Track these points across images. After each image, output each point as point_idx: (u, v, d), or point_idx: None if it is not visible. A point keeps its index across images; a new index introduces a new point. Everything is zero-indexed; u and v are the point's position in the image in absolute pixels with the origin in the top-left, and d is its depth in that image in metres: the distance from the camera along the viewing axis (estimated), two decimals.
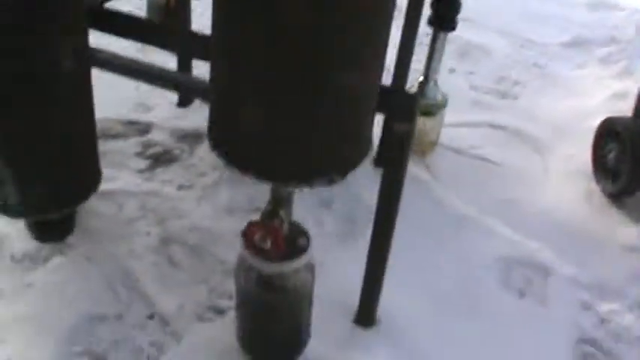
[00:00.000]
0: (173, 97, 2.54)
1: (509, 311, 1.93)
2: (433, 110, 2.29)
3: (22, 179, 1.68)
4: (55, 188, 1.73)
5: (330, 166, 1.31)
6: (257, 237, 1.40)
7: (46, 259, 1.94)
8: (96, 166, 1.83)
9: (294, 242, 1.51)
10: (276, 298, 1.53)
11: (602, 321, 1.93)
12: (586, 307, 1.96)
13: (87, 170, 1.79)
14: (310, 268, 1.55)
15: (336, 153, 1.31)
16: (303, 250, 1.50)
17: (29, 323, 1.79)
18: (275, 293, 1.52)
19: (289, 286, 1.53)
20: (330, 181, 1.31)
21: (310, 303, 1.62)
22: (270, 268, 1.49)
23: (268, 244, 1.40)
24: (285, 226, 1.47)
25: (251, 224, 1.40)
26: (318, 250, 1.93)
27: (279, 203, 1.45)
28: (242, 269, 1.55)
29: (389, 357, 1.76)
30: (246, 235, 1.42)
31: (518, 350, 1.81)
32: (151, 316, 1.82)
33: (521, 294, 1.98)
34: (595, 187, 2.32)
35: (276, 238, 1.39)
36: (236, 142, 1.32)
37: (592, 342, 1.89)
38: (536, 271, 2.04)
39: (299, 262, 1.50)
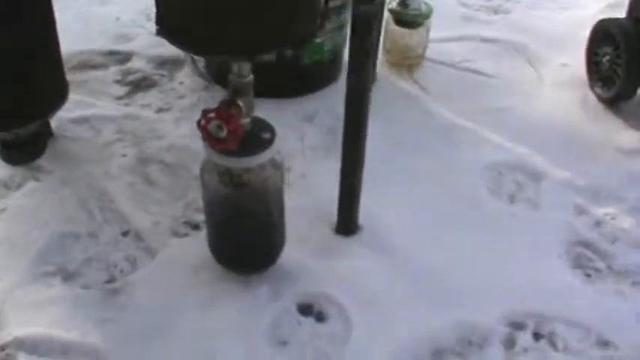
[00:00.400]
0: (153, 26, 2.45)
1: (500, 217, 1.85)
2: (418, 21, 2.21)
3: None
4: (16, 104, 1.65)
5: (281, 38, 1.23)
6: (212, 125, 1.32)
7: (19, 185, 1.90)
8: (59, 82, 1.75)
9: (258, 137, 1.44)
10: (241, 196, 1.47)
11: (598, 224, 1.85)
12: (581, 210, 1.88)
13: (49, 86, 1.71)
14: (277, 165, 1.47)
15: (287, 24, 1.22)
16: (267, 144, 1.42)
17: (1, 247, 1.73)
18: (239, 191, 1.45)
19: (254, 183, 1.46)
20: (281, 53, 1.23)
21: (280, 204, 1.55)
22: (232, 162, 1.41)
23: (224, 133, 1.32)
24: (246, 118, 1.39)
25: (206, 111, 1.32)
26: (300, 164, 1.89)
27: (236, 92, 1.38)
28: (205, 170, 1.48)
29: (370, 263, 1.70)
30: (202, 124, 1.33)
31: (508, 254, 1.74)
32: (125, 233, 1.77)
33: (512, 199, 1.90)
34: (590, 95, 2.23)
35: (233, 126, 1.32)
36: (181, 19, 1.23)
37: (586, 244, 1.81)
38: (528, 177, 1.97)
39: (262, 157, 1.41)
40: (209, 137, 1.34)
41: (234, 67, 1.38)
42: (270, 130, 1.45)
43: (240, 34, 1.22)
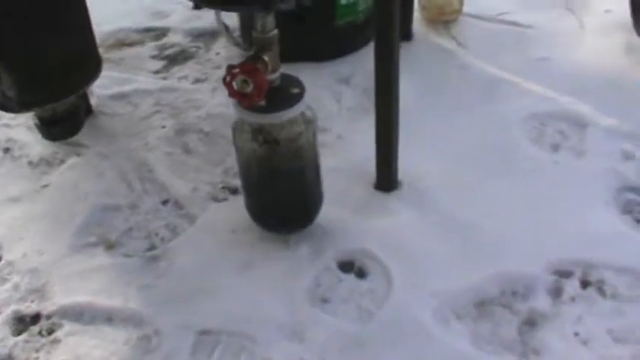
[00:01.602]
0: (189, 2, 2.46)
1: (543, 166, 1.80)
2: None
3: (15, 71, 1.62)
4: (48, 79, 1.66)
5: None
6: (238, 80, 1.31)
7: (61, 161, 1.92)
8: (91, 56, 1.76)
9: (287, 92, 1.42)
10: (274, 155, 1.45)
11: None
12: (628, 156, 1.83)
13: (81, 59, 1.72)
14: (308, 121, 1.46)
15: None
16: (296, 98, 1.40)
17: (44, 221, 1.77)
18: (272, 149, 1.43)
19: (286, 140, 1.44)
20: (299, 2, 1.21)
21: (315, 161, 1.53)
22: (261, 118, 1.40)
23: (250, 88, 1.31)
24: (273, 74, 1.38)
25: (230, 67, 1.31)
26: (338, 124, 1.87)
27: (261, 47, 1.36)
28: (237, 130, 1.48)
29: (410, 218, 1.68)
30: (227, 81, 1.32)
31: (552, 203, 1.69)
32: (164, 202, 1.77)
33: (556, 148, 1.85)
34: (635, 40, 2.15)
35: (258, 80, 1.31)
36: None
37: (636, 190, 1.75)
38: (572, 125, 1.91)
39: (292, 112, 1.40)
40: (235, 93, 1.33)
41: (258, 23, 1.37)
42: (299, 85, 1.44)
43: None
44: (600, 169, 1.78)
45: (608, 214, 1.67)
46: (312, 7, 1.31)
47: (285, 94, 1.42)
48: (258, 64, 1.34)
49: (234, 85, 1.33)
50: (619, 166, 1.79)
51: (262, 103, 1.37)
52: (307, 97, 1.44)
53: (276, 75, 1.42)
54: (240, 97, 1.34)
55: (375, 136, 1.64)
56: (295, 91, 1.43)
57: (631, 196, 1.73)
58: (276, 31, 1.38)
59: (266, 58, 1.37)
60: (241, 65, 1.32)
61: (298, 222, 1.60)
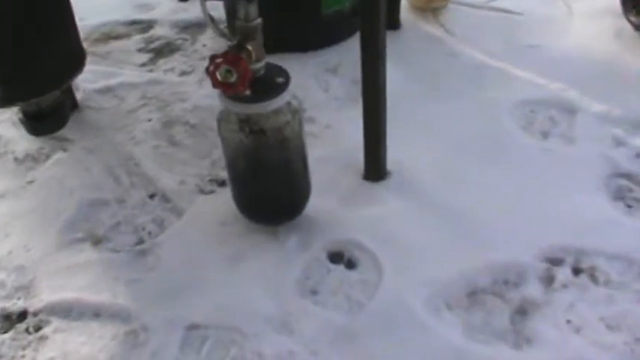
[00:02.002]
0: None
1: (534, 153, 1.79)
2: None
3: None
4: (30, 73, 1.64)
5: None
6: (221, 70, 1.28)
7: (47, 157, 1.90)
8: (74, 50, 1.74)
9: (272, 81, 1.40)
10: (260, 145, 1.43)
11: (639, 155, 1.75)
12: (619, 142, 1.81)
13: (63, 54, 1.70)
14: (294, 110, 1.44)
15: None
16: (281, 88, 1.38)
17: (31, 217, 1.75)
18: (257, 139, 1.41)
19: (272, 130, 1.42)
20: None
21: (301, 152, 1.51)
22: (246, 108, 1.38)
23: (234, 77, 1.29)
24: (257, 63, 1.35)
25: (214, 57, 1.29)
26: (325, 114, 1.85)
27: (244, 36, 1.34)
28: (222, 120, 1.45)
29: (399, 207, 1.66)
30: (210, 70, 1.30)
31: (543, 190, 1.68)
32: (151, 196, 1.76)
33: (546, 135, 1.83)
34: (625, 25, 2.14)
35: (242, 69, 1.28)
36: None
37: (627, 176, 1.73)
38: (562, 111, 1.90)
39: (277, 101, 1.38)
40: (218, 83, 1.31)
41: (241, 12, 1.35)
42: (285, 74, 1.42)
43: None
44: (591, 156, 1.77)
45: (599, 200, 1.66)
46: None
47: (270, 84, 1.41)
48: (242, 53, 1.33)
49: (218, 75, 1.30)
50: (610, 152, 1.78)
51: (247, 93, 1.35)
52: (294, 87, 1.42)
53: (261, 64, 1.40)
54: (224, 87, 1.31)
55: (363, 124, 1.61)
56: (280, 80, 1.41)
57: (622, 182, 1.71)
58: (259, 20, 1.36)
59: (250, 47, 1.35)
60: (224, 55, 1.30)
61: (286, 213, 1.59)
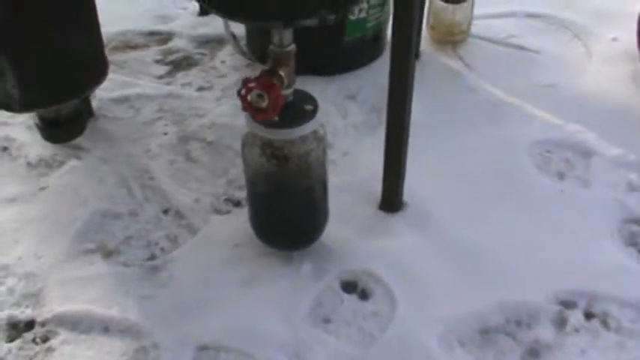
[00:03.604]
0: (195, 6, 2.45)
1: (549, 194, 1.79)
2: None
3: (19, 70, 1.59)
4: (55, 80, 1.63)
5: (319, 1, 1.19)
6: (253, 94, 1.28)
7: (61, 163, 1.88)
8: (98, 59, 1.73)
9: (300, 108, 1.40)
10: (283, 171, 1.43)
11: None
12: (633, 187, 1.82)
13: (87, 62, 1.69)
14: (319, 138, 1.44)
15: None
16: (309, 115, 1.38)
17: (42, 224, 1.73)
18: (280, 164, 1.41)
19: (296, 157, 1.42)
20: (323, 19, 1.19)
21: (323, 179, 1.51)
22: (273, 134, 1.38)
23: (265, 103, 1.29)
24: (287, 89, 1.35)
25: (246, 81, 1.28)
26: (343, 141, 1.85)
27: (277, 62, 1.34)
28: (247, 143, 1.45)
29: (415, 240, 1.66)
30: (242, 94, 1.30)
31: (557, 232, 1.68)
32: (165, 211, 1.74)
33: (561, 177, 1.83)
34: None
35: (274, 95, 1.28)
36: None
37: None
38: (577, 154, 1.90)
39: (304, 129, 1.38)
40: (249, 107, 1.31)
41: (275, 37, 1.35)
42: (313, 101, 1.42)
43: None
44: (605, 200, 1.77)
45: (612, 245, 1.67)
46: None
47: (298, 111, 1.40)
48: (274, 79, 1.32)
49: (249, 98, 1.30)
50: (624, 198, 1.79)
51: (275, 118, 1.35)
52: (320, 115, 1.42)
53: (291, 90, 1.39)
54: (254, 111, 1.31)
55: (384, 155, 1.61)
56: (309, 107, 1.41)
57: (635, 228, 1.73)
58: (293, 46, 1.36)
59: (282, 73, 1.35)
60: (258, 79, 1.29)
61: (303, 240, 1.58)
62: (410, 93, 1.51)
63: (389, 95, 1.53)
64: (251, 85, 1.30)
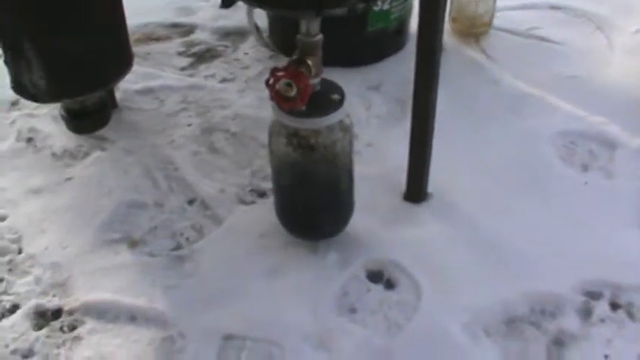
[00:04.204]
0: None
1: (573, 185, 1.79)
2: None
3: (46, 61, 1.61)
4: (81, 71, 1.65)
5: None
6: (281, 83, 1.29)
7: (86, 154, 1.90)
8: (124, 51, 1.74)
9: (327, 98, 1.40)
10: (309, 160, 1.43)
11: None
12: None
13: (113, 54, 1.71)
14: (345, 128, 1.44)
15: None
16: (336, 105, 1.38)
17: (68, 214, 1.75)
18: (307, 154, 1.41)
19: (323, 146, 1.42)
20: (352, 9, 1.19)
21: (349, 169, 1.51)
22: (300, 123, 1.39)
23: (293, 92, 1.29)
24: (314, 79, 1.36)
25: (275, 70, 1.29)
26: (367, 132, 1.85)
27: (305, 51, 1.34)
28: (274, 133, 1.46)
29: (439, 230, 1.66)
30: (271, 83, 1.31)
31: (581, 223, 1.68)
32: (190, 202, 1.75)
33: (585, 168, 1.83)
34: None
35: (302, 84, 1.29)
36: None
37: None
38: (601, 145, 1.90)
39: (331, 118, 1.38)
40: (277, 96, 1.31)
41: (303, 26, 1.35)
42: (340, 91, 1.42)
43: None
44: (629, 191, 1.77)
45: (637, 236, 1.66)
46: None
47: (325, 100, 1.41)
48: (302, 68, 1.32)
49: (278, 87, 1.30)
50: None
51: (302, 107, 1.35)
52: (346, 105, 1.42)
53: (318, 80, 1.40)
54: (282, 100, 1.32)
55: (409, 146, 1.61)
56: (336, 97, 1.41)
57: None
58: (321, 36, 1.37)
59: (310, 62, 1.35)
60: (286, 69, 1.30)
61: (329, 230, 1.58)
62: (435, 85, 1.52)
63: (414, 87, 1.54)
64: (280, 74, 1.31)
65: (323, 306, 1.51)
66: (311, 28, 1.36)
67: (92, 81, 1.70)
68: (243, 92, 2.04)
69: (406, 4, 2.06)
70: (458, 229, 1.66)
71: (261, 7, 1.26)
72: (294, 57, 1.36)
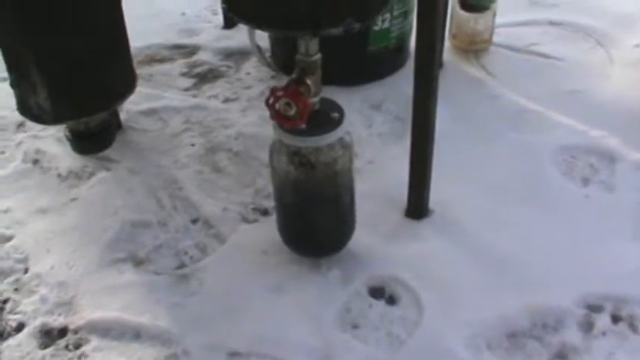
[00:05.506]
0: (219, 20, 2.49)
1: (574, 199, 1.80)
2: (484, 4, 2.17)
3: (50, 83, 1.63)
4: (85, 93, 1.67)
5: (345, 10, 1.21)
6: (281, 103, 1.31)
7: (91, 175, 1.92)
8: (127, 73, 1.77)
9: (327, 116, 1.42)
10: (310, 178, 1.45)
11: None
12: None
13: (117, 75, 1.73)
14: (346, 146, 1.46)
15: None
16: (335, 123, 1.40)
17: (74, 234, 1.77)
18: (308, 172, 1.43)
19: (323, 164, 1.44)
20: (349, 28, 1.21)
21: (350, 186, 1.53)
22: (300, 142, 1.41)
23: (293, 111, 1.31)
24: (314, 97, 1.38)
25: (275, 89, 1.31)
26: (368, 150, 1.87)
27: (304, 70, 1.37)
28: (274, 151, 1.48)
29: (441, 246, 1.67)
30: (270, 102, 1.33)
31: (582, 236, 1.69)
32: (194, 221, 1.77)
33: (586, 182, 1.84)
34: None
35: (302, 104, 1.31)
36: None
37: None
38: (601, 159, 1.91)
39: (331, 136, 1.40)
40: (277, 115, 1.33)
41: (301, 46, 1.37)
42: (339, 110, 1.44)
43: (305, 6, 1.20)
44: (631, 205, 1.78)
45: (638, 248, 1.66)
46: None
47: (325, 119, 1.42)
48: (301, 87, 1.34)
49: (277, 107, 1.32)
50: None
51: (302, 126, 1.37)
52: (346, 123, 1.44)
53: (317, 99, 1.42)
54: (282, 119, 1.34)
55: (409, 161, 1.63)
56: (335, 115, 1.43)
57: None
58: (319, 55, 1.38)
59: (309, 81, 1.37)
60: (285, 88, 1.32)
61: (331, 247, 1.60)
62: (434, 101, 1.54)
63: (413, 103, 1.55)
64: (279, 93, 1.33)
65: (326, 322, 1.52)
66: (309, 48, 1.38)
67: (96, 102, 1.71)
68: (246, 112, 2.07)
69: (406, 23, 2.08)
70: (459, 244, 1.67)
71: (259, 28, 1.28)
72: (293, 76, 1.38)
